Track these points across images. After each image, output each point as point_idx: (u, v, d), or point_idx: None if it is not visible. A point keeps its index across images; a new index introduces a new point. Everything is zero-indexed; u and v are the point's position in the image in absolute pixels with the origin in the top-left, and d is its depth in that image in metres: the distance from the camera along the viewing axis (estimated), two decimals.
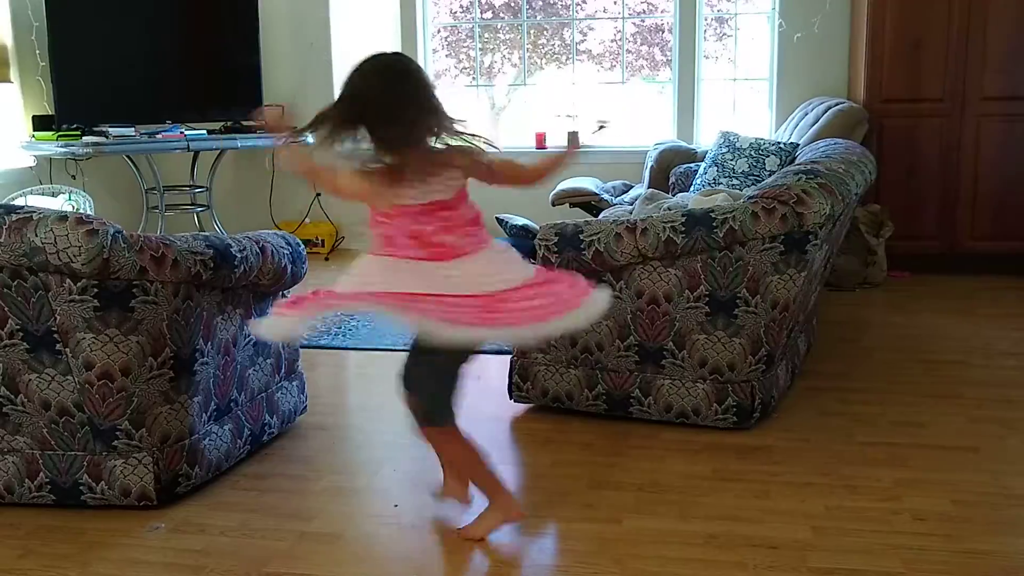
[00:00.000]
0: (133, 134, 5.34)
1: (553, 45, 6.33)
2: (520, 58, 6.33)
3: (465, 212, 2.10)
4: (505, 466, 2.81)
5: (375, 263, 2.10)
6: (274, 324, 2.10)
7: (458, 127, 2.07)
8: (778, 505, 2.42)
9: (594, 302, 2.13)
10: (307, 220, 6.18)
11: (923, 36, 4.93)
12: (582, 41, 6.27)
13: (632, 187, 5.23)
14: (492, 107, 6.53)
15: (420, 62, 6.20)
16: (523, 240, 5.04)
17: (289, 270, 2.74)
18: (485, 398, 3.24)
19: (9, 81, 5.42)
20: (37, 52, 5.47)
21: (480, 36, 6.35)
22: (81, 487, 2.41)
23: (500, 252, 2.15)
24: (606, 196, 4.99)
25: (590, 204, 5.04)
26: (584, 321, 2.14)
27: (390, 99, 2.01)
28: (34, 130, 5.33)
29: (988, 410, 3.09)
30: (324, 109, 2.05)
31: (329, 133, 2.02)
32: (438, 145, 2.06)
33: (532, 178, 2.25)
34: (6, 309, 2.26)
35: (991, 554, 2.15)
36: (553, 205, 5.12)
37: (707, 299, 2.80)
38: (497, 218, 5.39)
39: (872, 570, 2.08)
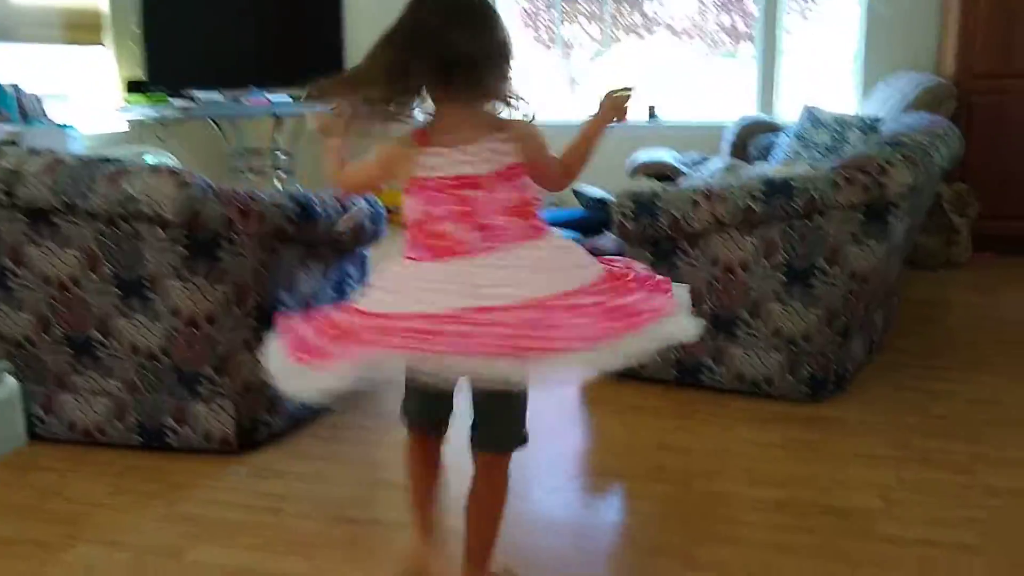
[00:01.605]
0: (220, 99, 5.47)
1: (633, 18, 6.28)
2: (600, 30, 6.30)
3: (507, 196, 1.66)
4: (575, 429, 2.85)
5: (400, 272, 1.68)
6: (293, 376, 1.59)
7: (518, 101, 1.68)
8: (849, 475, 2.41)
9: (672, 314, 1.66)
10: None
11: (1018, 9, 4.77)
12: (658, 13, 6.21)
13: (708, 159, 5.18)
14: (571, 80, 6.51)
15: None
16: (600, 212, 5.05)
17: (369, 229, 2.79)
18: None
19: (103, 45, 5.59)
20: (131, 17, 5.63)
21: (560, 7, 6.33)
22: (166, 430, 2.51)
23: (554, 248, 1.68)
24: (683, 168, 4.96)
25: (667, 177, 5.01)
26: (656, 342, 1.61)
27: (458, 39, 1.58)
28: (127, 93, 5.49)
29: None
30: (367, 62, 1.66)
31: (380, 92, 1.62)
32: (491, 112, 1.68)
33: (571, 178, 1.84)
34: (101, 255, 2.36)
35: None
36: (630, 177, 5.10)
37: (784, 268, 2.78)
38: (573, 190, 5.40)
39: (943, 540, 2.06)
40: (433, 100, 1.65)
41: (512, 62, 1.67)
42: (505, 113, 1.67)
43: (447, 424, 1.89)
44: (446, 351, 1.46)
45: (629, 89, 1.84)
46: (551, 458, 2.57)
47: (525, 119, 1.70)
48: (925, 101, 4.45)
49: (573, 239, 4.92)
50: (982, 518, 2.16)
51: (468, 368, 1.48)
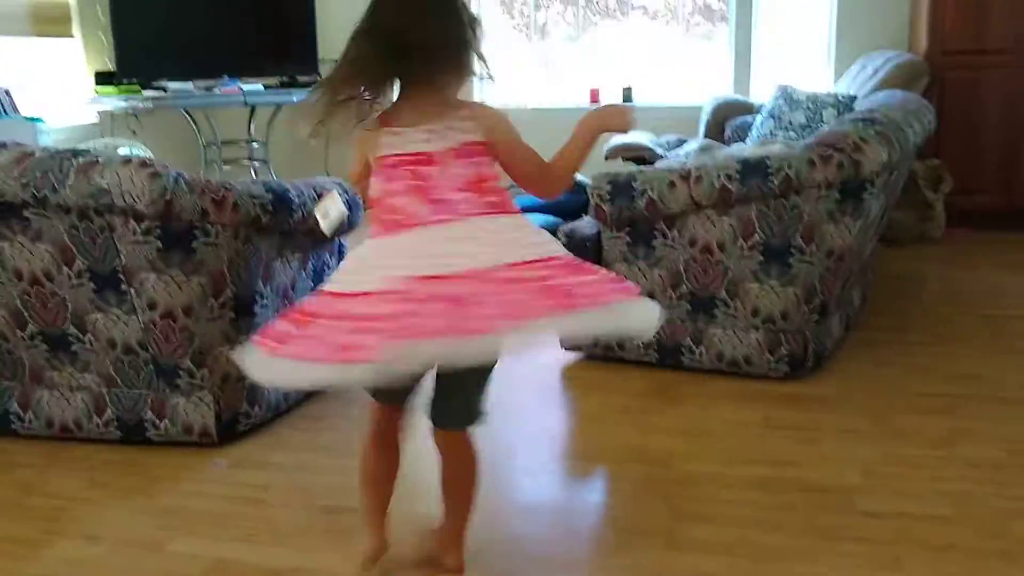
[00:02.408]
0: (191, 89, 5.42)
1: (607, 2, 6.26)
2: (573, 14, 6.28)
3: (462, 171, 1.68)
4: (555, 411, 2.86)
5: (360, 250, 1.70)
6: (270, 366, 1.57)
7: (485, 79, 1.73)
8: (828, 451, 2.43)
9: (637, 309, 1.65)
10: None
11: None
12: None
13: (686, 141, 5.19)
14: (546, 64, 6.49)
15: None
16: (577, 195, 5.05)
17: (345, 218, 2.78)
18: (536, 347, 3.27)
19: (72, 36, 5.53)
20: (99, 7, 5.56)
21: None
22: (145, 424, 2.50)
23: (510, 223, 1.68)
24: (660, 150, 4.96)
25: (643, 159, 5.01)
26: (617, 323, 1.65)
27: (411, 27, 1.64)
28: (96, 85, 5.43)
29: None
30: (339, 62, 1.71)
31: (350, 88, 1.68)
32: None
33: (560, 181, 1.80)
34: (74, 249, 2.34)
35: None
36: (606, 159, 5.09)
37: (761, 247, 2.79)
38: None
39: (921, 513, 2.08)
40: (401, 86, 1.71)
41: (476, 42, 1.71)
42: (476, 89, 1.75)
43: (411, 396, 1.85)
44: (374, 355, 1.44)
45: (631, 107, 1.88)
46: (531, 439, 2.58)
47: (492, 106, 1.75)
48: (898, 78, 4.47)
49: (553, 223, 4.94)
50: (960, 490, 2.18)
51: (402, 358, 1.46)
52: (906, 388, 2.84)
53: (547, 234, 1.72)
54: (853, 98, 4.29)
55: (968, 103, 4.90)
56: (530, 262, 1.59)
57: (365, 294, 1.54)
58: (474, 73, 1.72)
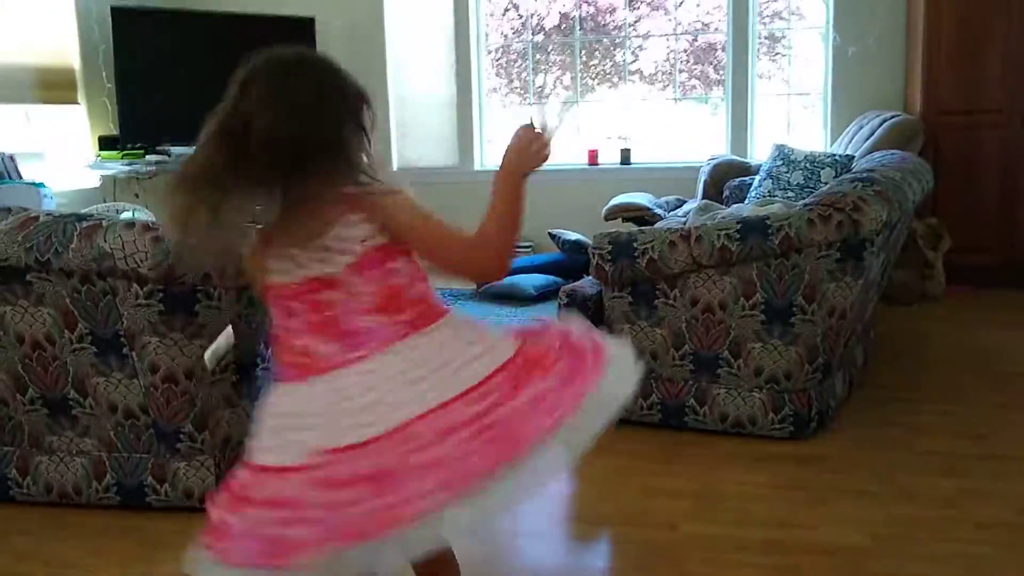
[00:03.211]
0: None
1: (605, 66, 6.36)
2: (572, 79, 6.37)
3: (371, 289, 1.43)
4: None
5: (272, 401, 1.49)
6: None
7: (369, 170, 1.44)
8: (836, 512, 2.40)
9: (610, 387, 1.46)
10: None
11: (981, 47, 4.88)
12: (634, 61, 6.29)
13: (685, 202, 5.23)
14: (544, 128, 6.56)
15: (474, 82, 6.29)
16: (576, 255, 5.07)
17: None
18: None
19: (77, 103, 5.60)
20: (104, 74, 5.64)
21: (532, 56, 6.40)
22: (146, 488, 2.47)
23: (434, 342, 1.43)
24: (659, 211, 5.00)
25: (643, 219, 5.04)
26: (588, 425, 1.44)
27: (294, 128, 1.40)
28: (100, 150, 5.48)
29: None
30: (197, 156, 1.47)
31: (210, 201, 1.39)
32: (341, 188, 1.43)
33: (495, 252, 1.53)
34: (76, 313, 2.34)
35: None
36: (606, 220, 5.13)
37: (763, 307, 2.79)
38: (549, 233, 5.42)
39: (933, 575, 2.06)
40: (279, 194, 1.42)
41: (364, 128, 1.47)
42: (477, 156, 1.51)
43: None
44: (304, 556, 1.29)
45: (549, 121, 1.64)
46: (534, 503, 2.55)
47: (386, 187, 1.45)
48: (894, 138, 4.52)
49: (554, 282, 4.93)
50: (972, 552, 2.15)
51: (332, 566, 1.30)
52: (911, 447, 2.82)
53: (485, 327, 1.50)
54: (850, 158, 4.32)
55: (964, 162, 4.95)
56: (466, 392, 1.36)
57: (288, 469, 1.36)
58: (363, 171, 1.43)
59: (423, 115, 6.42)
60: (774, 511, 2.42)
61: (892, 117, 4.74)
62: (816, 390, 2.85)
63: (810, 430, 2.87)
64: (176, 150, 5.41)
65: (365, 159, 1.45)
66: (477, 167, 6.29)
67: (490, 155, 6.38)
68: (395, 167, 6.37)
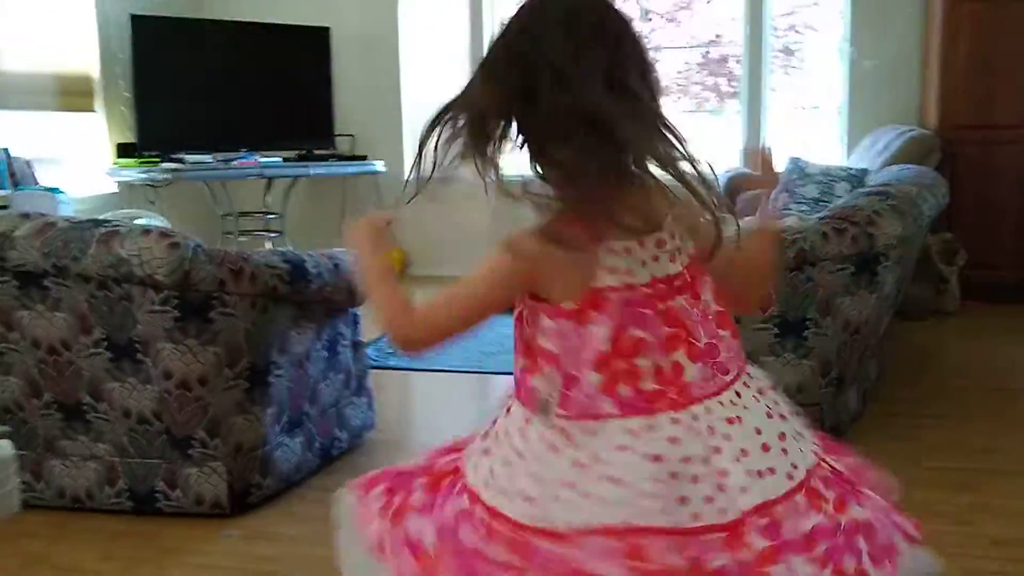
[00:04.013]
0: (210, 161, 5.51)
1: None
2: None
3: (709, 297, 1.17)
4: None
5: (552, 457, 1.12)
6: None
7: (689, 154, 1.10)
8: None
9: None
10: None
11: (998, 61, 4.86)
12: None
13: None
14: None
15: None
16: None
17: (361, 288, 2.79)
18: None
19: (95, 111, 5.64)
20: (121, 83, 5.68)
21: None
22: (157, 494, 2.48)
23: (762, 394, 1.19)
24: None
25: None
26: None
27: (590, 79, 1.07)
28: (117, 157, 5.52)
29: None
30: (457, 102, 1.15)
31: (471, 147, 1.13)
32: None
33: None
34: (92, 319, 2.35)
35: None
36: None
37: (777, 320, 2.78)
38: None
39: None
40: (566, 166, 1.11)
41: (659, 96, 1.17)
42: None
43: None
44: None
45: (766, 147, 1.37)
46: None
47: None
48: (910, 152, 4.51)
49: None
50: (989, 570, 2.14)
51: None
52: (924, 462, 2.80)
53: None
54: (865, 171, 4.31)
55: (980, 177, 4.93)
56: (813, 473, 1.14)
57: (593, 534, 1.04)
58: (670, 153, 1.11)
59: None
60: None
61: (908, 131, 4.73)
62: (829, 404, 2.84)
63: None
64: (192, 157, 5.45)
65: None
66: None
67: (504, 164, 6.38)
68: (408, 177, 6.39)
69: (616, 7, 1.16)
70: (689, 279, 1.13)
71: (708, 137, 6.21)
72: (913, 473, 2.72)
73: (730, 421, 1.11)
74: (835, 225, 2.70)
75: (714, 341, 1.13)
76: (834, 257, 2.69)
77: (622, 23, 1.13)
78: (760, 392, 1.18)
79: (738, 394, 1.14)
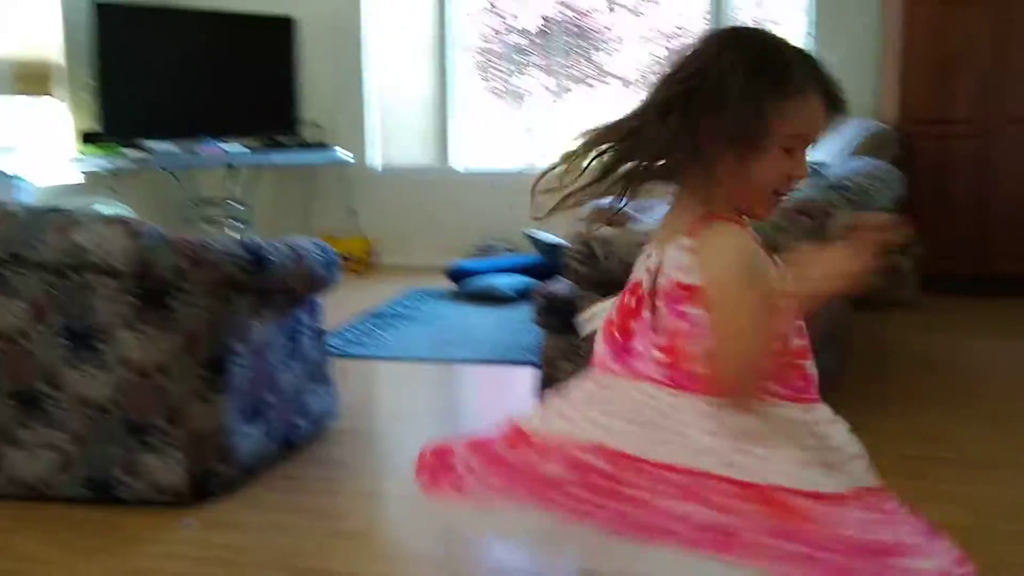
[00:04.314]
0: (174, 149, 5.47)
1: (583, 68, 6.39)
2: (551, 81, 6.40)
3: None
4: None
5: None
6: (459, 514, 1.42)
7: None
8: None
9: None
10: (341, 236, 6.27)
11: (956, 56, 4.94)
12: (610, 64, 6.33)
13: (661, 205, 5.26)
14: (527, 129, 6.60)
15: (452, 83, 6.32)
16: (553, 257, 5.10)
17: (322, 276, 2.80)
18: (513, 407, 3.28)
19: (57, 97, 5.57)
20: (86, 69, 5.62)
21: (511, 58, 6.43)
22: (115, 482, 2.47)
23: None
24: (635, 214, 5.02)
25: (619, 223, 5.07)
26: None
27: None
28: (81, 144, 5.47)
29: (1015, 426, 3.08)
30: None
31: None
32: None
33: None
34: (50, 307, 2.34)
35: (1016, 566, 2.15)
36: (582, 224, 5.15)
37: None
38: (528, 235, 5.45)
39: None
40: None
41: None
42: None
43: None
44: None
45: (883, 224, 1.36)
46: None
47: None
48: (868, 146, 4.57)
49: (528, 284, 4.95)
50: None
51: None
52: (877, 452, 2.82)
53: None
54: (823, 164, 4.36)
55: (938, 171, 5.00)
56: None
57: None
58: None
59: (403, 114, 6.43)
60: None
61: (866, 125, 4.79)
62: None
63: None
64: (156, 145, 5.41)
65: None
66: (453, 167, 6.33)
67: (466, 156, 6.40)
68: (379, 167, 6.39)
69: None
70: None
71: None
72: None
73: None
74: (790, 217, 2.74)
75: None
76: (789, 248, 2.72)
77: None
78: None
79: None
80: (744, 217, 1.34)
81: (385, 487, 2.69)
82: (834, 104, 1.30)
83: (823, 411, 1.39)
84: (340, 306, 4.92)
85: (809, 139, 1.31)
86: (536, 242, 5.38)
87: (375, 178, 6.37)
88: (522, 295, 4.92)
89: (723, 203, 1.30)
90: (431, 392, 3.63)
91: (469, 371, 3.87)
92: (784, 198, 1.35)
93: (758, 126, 1.25)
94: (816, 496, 1.23)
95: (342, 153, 6.01)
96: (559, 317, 3.03)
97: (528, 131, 6.55)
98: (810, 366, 1.40)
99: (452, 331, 4.45)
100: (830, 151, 4.75)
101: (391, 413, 3.48)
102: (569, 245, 3.00)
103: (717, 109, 1.24)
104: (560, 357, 3.06)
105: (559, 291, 3.10)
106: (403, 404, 3.56)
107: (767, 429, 1.28)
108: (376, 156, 6.40)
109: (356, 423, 3.17)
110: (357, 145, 6.24)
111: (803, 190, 3.05)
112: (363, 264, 6.19)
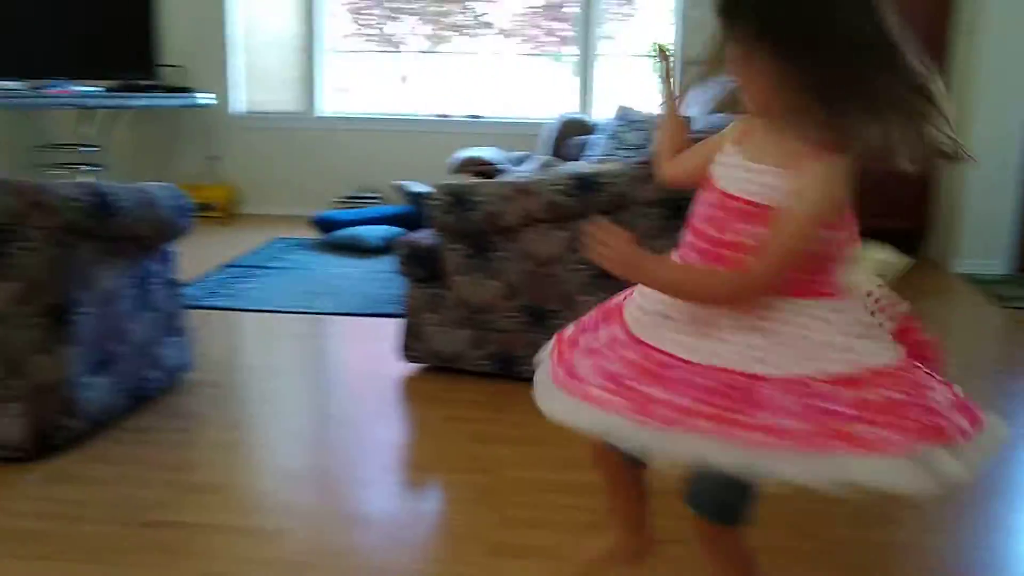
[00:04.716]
0: (22, 87, 5.17)
1: (459, 17, 6.33)
2: (426, 29, 6.31)
3: None
4: (393, 423, 2.86)
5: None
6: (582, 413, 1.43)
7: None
8: None
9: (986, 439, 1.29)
10: (203, 182, 6.07)
11: None
12: (485, 15, 6.28)
13: (531, 157, 5.29)
14: (402, 78, 6.50)
15: (320, 26, 6.16)
16: (421, 207, 5.07)
17: (173, 223, 2.71)
18: (376, 358, 3.28)
19: None
20: None
21: (384, 4, 6.30)
22: None
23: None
24: (506, 166, 5.04)
25: (490, 174, 5.08)
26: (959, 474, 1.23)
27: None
28: None
29: None
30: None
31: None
32: None
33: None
34: None
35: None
36: (453, 173, 5.14)
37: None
38: (395, 184, 5.40)
39: None
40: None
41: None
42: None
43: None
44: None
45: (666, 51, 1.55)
46: (367, 451, 2.57)
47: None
48: (731, 102, 4.68)
49: (394, 233, 4.92)
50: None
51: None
52: None
53: None
54: (689, 119, 4.46)
55: None
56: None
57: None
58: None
59: (270, 58, 6.24)
60: None
61: (732, 82, 4.90)
62: None
63: None
64: (2, 84, 5.10)
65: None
66: (319, 114, 6.19)
67: (336, 103, 6.28)
68: (245, 110, 6.19)
69: None
70: None
71: (547, 82, 6.28)
72: None
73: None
74: (647, 170, 2.79)
75: None
76: (647, 201, 2.79)
77: None
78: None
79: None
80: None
81: (240, 438, 2.64)
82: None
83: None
84: (201, 256, 4.79)
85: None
86: (405, 192, 5.33)
87: (239, 123, 6.18)
88: (389, 246, 4.89)
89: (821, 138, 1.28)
90: (292, 344, 3.58)
91: (333, 323, 3.83)
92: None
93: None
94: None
95: (204, 96, 5.80)
96: (422, 266, 3.02)
97: (403, 79, 6.46)
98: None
99: (317, 282, 4.39)
100: (697, 108, 4.86)
101: (250, 365, 3.41)
102: (432, 194, 2.99)
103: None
104: (424, 308, 3.06)
105: (423, 241, 3.09)
106: (263, 356, 3.50)
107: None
108: (240, 100, 6.20)
109: (212, 375, 3.10)
110: (220, 88, 6.03)
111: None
112: (226, 213, 6.02)
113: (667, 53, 1.57)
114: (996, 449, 1.29)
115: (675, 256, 1.48)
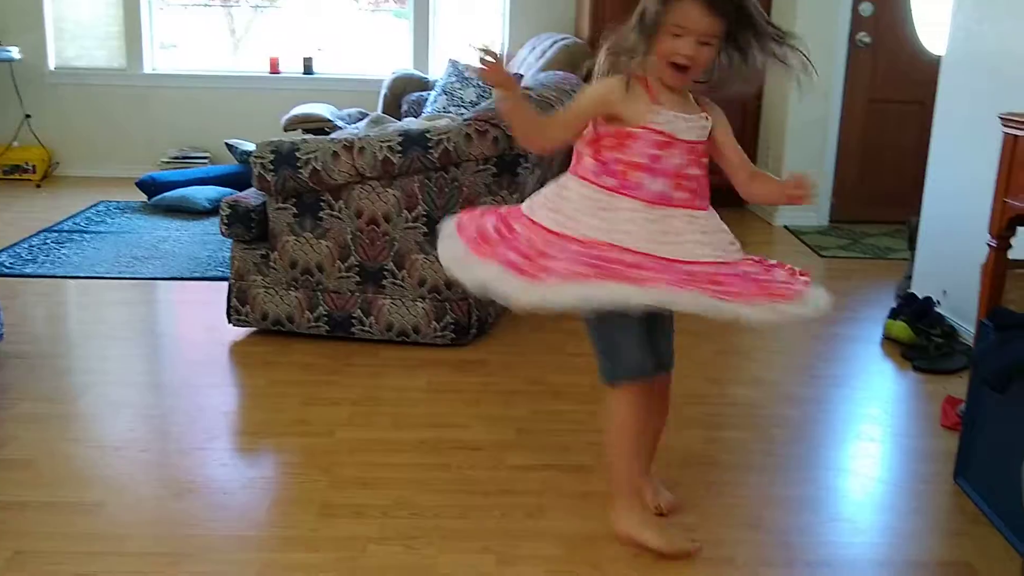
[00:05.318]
0: None
1: None
2: None
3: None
4: (222, 388, 2.78)
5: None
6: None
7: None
8: (487, 412, 2.54)
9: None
10: (15, 143, 5.69)
11: None
12: None
13: (367, 115, 5.20)
14: (232, 32, 6.25)
15: None
16: (244, 166, 4.92)
17: None
18: (206, 324, 3.18)
19: None
20: None
21: None
22: None
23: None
24: (340, 123, 4.94)
25: (324, 131, 4.96)
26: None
27: None
28: None
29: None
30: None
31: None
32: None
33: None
34: None
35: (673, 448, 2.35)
36: (285, 131, 4.99)
37: (424, 219, 2.86)
38: (226, 143, 5.22)
39: (565, 464, 2.24)
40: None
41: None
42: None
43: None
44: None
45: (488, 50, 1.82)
46: (195, 418, 2.49)
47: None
48: (563, 60, 4.72)
49: (221, 194, 4.77)
50: (599, 441, 2.36)
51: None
52: (561, 349, 3.02)
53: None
54: (520, 76, 4.47)
55: None
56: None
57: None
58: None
59: (85, 10, 5.87)
60: (430, 413, 2.53)
61: (562, 39, 4.95)
62: (476, 299, 2.97)
63: (470, 337, 3.00)
64: None
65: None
66: (147, 71, 5.88)
67: (165, 60, 5.99)
68: (51, 66, 5.82)
69: None
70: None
71: (383, 38, 6.17)
72: (552, 360, 2.94)
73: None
74: (478, 127, 2.79)
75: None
76: (477, 158, 2.79)
77: None
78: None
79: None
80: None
81: (55, 411, 2.51)
82: (713, 6, 1.70)
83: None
84: (15, 221, 4.52)
85: (687, 31, 1.72)
86: (235, 151, 5.16)
87: (54, 80, 5.81)
88: (218, 207, 4.73)
89: (651, 75, 1.79)
90: (116, 311, 3.41)
91: (160, 288, 3.68)
92: (681, 73, 1.76)
93: (655, 22, 1.76)
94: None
95: (10, 50, 5.41)
96: (247, 227, 2.94)
97: (232, 34, 6.21)
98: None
99: (143, 247, 4.20)
100: (528, 64, 4.88)
101: (68, 335, 3.24)
102: (256, 152, 2.89)
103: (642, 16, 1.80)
104: (251, 270, 2.98)
105: (247, 199, 3.00)
106: (84, 325, 3.33)
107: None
108: (51, 56, 5.83)
109: (22, 346, 2.93)
110: (30, 43, 5.65)
111: (490, 100, 3.12)
112: (43, 176, 5.67)
113: (493, 52, 1.82)
114: (827, 298, 1.77)
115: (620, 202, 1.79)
